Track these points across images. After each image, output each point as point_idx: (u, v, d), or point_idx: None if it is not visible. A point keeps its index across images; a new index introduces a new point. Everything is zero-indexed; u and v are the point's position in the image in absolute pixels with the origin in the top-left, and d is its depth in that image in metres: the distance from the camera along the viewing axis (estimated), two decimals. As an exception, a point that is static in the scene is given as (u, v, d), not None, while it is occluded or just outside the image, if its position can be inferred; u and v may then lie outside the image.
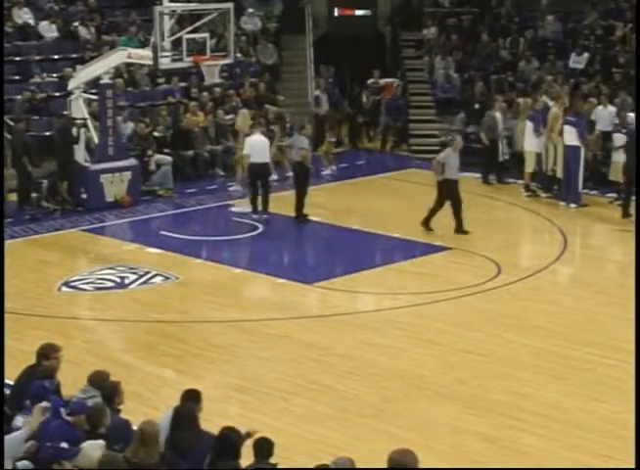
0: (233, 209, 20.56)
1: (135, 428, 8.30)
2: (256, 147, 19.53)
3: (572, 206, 20.57)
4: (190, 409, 8.54)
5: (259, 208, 19.69)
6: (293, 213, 19.67)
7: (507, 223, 20.32)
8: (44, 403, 8.52)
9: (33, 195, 20.12)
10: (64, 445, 8.18)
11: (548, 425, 11.31)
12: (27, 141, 20.61)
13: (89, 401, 8.89)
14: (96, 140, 20.82)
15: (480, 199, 21.71)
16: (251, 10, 28.21)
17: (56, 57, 24.85)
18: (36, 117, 22.39)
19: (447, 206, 18.59)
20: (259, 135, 19.86)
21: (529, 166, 21.62)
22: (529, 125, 21.66)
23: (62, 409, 8.76)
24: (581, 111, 21.36)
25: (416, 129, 26.52)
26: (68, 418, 8.53)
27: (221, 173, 23.21)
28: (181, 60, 19.22)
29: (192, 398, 8.79)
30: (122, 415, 8.90)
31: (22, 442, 8.21)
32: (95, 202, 20.32)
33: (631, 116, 21.18)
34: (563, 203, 20.72)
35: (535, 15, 28.17)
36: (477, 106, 24.75)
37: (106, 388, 8.96)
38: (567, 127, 20.62)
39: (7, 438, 8.26)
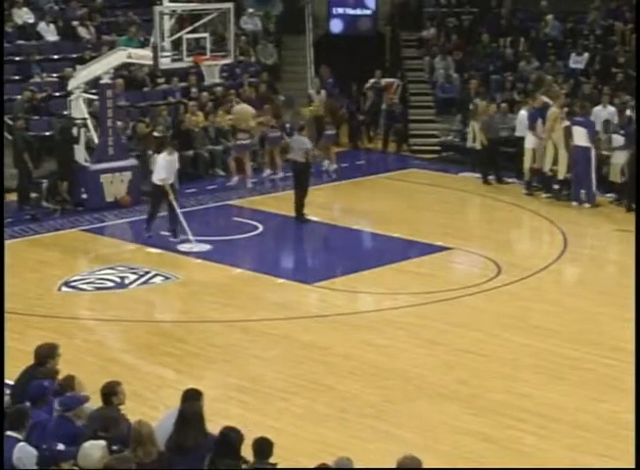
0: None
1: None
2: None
3: (587, 205, 20.53)
4: (197, 408, 8.52)
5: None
6: (293, 213, 19.67)
7: (507, 223, 20.29)
8: None
9: (33, 195, 20.12)
10: (60, 446, 8.17)
11: (548, 425, 11.31)
12: (29, 139, 20.62)
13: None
14: (96, 140, 20.83)
15: (480, 199, 21.73)
16: (251, 10, 28.25)
17: (56, 57, 24.84)
18: (36, 117, 22.38)
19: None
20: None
21: (527, 163, 21.61)
22: (526, 123, 21.68)
23: (57, 406, 8.77)
24: (587, 112, 21.28)
25: (416, 129, 26.51)
26: (67, 414, 8.54)
27: (221, 173, 23.19)
28: (181, 60, 19.22)
29: (193, 397, 8.77)
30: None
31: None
32: (95, 202, 20.30)
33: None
34: (575, 203, 20.66)
35: (536, 15, 28.16)
36: (471, 106, 24.73)
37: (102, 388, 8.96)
38: (576, 128, 20.57)
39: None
